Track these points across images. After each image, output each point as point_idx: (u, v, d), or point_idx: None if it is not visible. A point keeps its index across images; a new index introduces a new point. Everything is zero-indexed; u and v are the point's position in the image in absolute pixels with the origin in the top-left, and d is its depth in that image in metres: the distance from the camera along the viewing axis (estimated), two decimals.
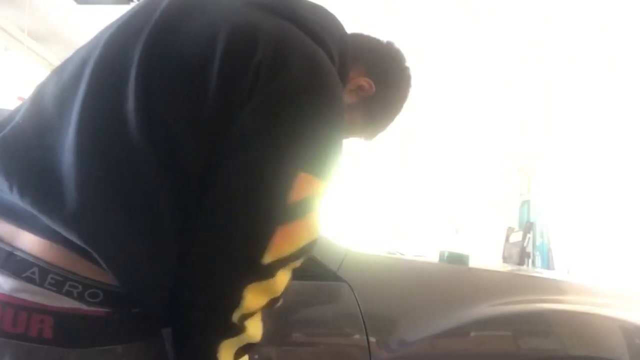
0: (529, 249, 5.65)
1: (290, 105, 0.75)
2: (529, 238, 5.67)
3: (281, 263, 0.75)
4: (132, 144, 0.74)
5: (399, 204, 6.31)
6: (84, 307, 0.71)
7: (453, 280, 1.39)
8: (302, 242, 0.77)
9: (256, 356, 1.23)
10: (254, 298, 0.75)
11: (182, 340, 0.79)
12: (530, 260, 5.63)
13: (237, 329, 0.77)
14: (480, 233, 6.10)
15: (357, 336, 1.21)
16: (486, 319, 1.26)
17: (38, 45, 4.51)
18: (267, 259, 0.74)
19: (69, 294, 0.70)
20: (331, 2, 1.14)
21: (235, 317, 0.76)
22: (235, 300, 0.74)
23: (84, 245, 0.70)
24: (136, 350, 0.76)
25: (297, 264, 0.79)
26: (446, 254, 1.47)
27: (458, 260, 1.45)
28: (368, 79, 1.01)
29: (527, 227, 5.73)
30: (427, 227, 6.10)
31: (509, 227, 6.11)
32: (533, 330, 1.28)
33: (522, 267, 4.29)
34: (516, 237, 5.86)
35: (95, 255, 0.71)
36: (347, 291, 1.26)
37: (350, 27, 0.98)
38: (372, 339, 1.20)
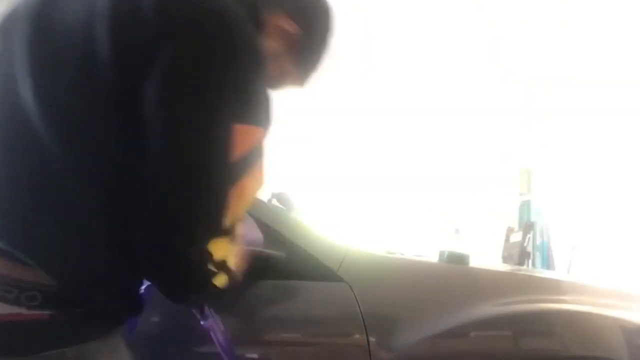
0: (529, 249, 5.65)
1: (198, 59, 0.70)
2: (529, 238, 5.67)
3: (239, 218, 0.75)
4: (39, 138, 0.70)
5: (400, 204, 6.31)
6: (24, 311, 0.67)
7: (453, 280, 1.39)
8: (254, 193, 0.76)
9: (256, 356, 1.23)
10: (218, 247, 0.74)
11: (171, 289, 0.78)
12: (530, 260, 5.62)
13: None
14: (480, 233, 6.10)
15: (357, 336, 1.21)
16: (486, 319, 1.26)
17: None
18: (229, 221, 0.73)
19: (4, 300, 0.66)
20: None
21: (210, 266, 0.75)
22: (203, 258, 0.74)
23: (7, 248, 0.67)
24: (91, 351, 0.72)
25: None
26: (446, 253, 1.47)
27: (458, 260, 1.45)
28: (288, 20, 0.93)
29: (527, 227, 5.72)
30: (428, 227, 6.10)
31: (509, 227, 6.11)
32: (533, 330, 1.28)
33: (522, 267, 4.29)
34: (516, 237, 5.85)
35: (22, 255, 0.67)
36: (347, 291, 1.26)
37: None
38: (372, 339, 1.20)
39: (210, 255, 0.74)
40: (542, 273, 2.07)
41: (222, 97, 0.70)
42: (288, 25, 0.93)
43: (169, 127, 0.69)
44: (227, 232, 0.74)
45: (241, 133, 0.71)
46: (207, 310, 1.07)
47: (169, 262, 0.73)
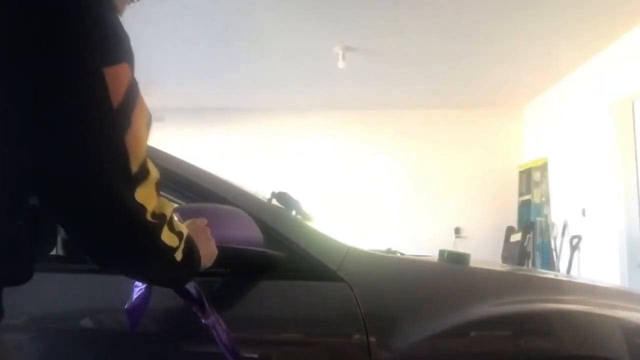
0: (529, 249, 5.65)
1: (42, 19, 0.65)
2: (529, 238, 5.67)
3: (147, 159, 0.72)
4: None
5: (401, 205, 6.31)
6: None
7: (453, 280, 1.39)
8: (148, 129, 0.72)
9: (256, 356, 1.23)
10: (146, 197, 0.71)
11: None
12: (530, 260, 5.63)
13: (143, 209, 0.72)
14: (480, 233, 6.11)
15: (357, 336, 1.21)
16: (486, 319, 1.26)
17: None
18: (134, 167, 0.69)
19: None
20: None
21: (148, 215, 0.72)
22: (134, 208, 0.70)
23: None
24: None
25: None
26: (446, 253, 1.47)
27: (458, 259, 1.45)
28: None
29: (527, 227, 5.73)
30: (429, 228, 6.09)
31: (509, 227, 6.11)
32: (533, 330, 1.28)
33: (522, 267, 4.29)
34: (516, 237, 5.86)
35: None
36: (347, 291, 1.26)
37: None
38: (372, 339, 1.20)
39: (143, 208, 0.71)
40: (542, 273, 2.07)
41: (84, 41, 0.66)
42: None
43: (46, 96, 0.66)
44: (142, 178, 0.70)
45: (112, 76, 0.67)
46: (208, 308, 1.07)
47: (105, 225, 0.71)
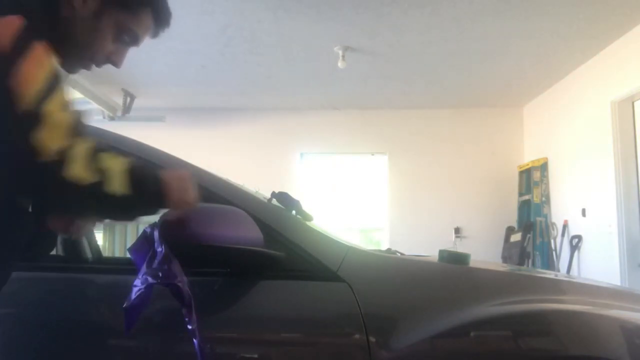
0: (529, 249, 5.65)
1: None
2: (529, 238, 5.67)
3: (43, 96, 0.77)
4: None
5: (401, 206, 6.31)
6: None
7: (453, 280, 1.39)
8: (43, 72, 0.78)
9: (256, 356, 1.23)
10: (48, 138, 0.77)
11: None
12: (530, 260, 5.62)
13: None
14: (480, 233, 6.10)
15: (357, 336, 1.21)
16: (486, 319, 1.26)
17: None
18: (25, 104, 0.75)
19: None
20: None
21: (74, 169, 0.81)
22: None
23: None
24: None
25: (59, 97, 0.80)
26: (446, 253, 1.47)
27: (458, 260, 1.45)
28: None
29: (527, 227, 5.72)
30: (429, 228, 6.09)
31: (509, 227, 6.11)
32: (533, 330, 1.28)
33: (522, 267, 4.29)
34: (516, 237, 5.86)
35: None
36: (347, 291, 1.26)
37: None
38: (372, 339, 1.20)
39: (44, 147, 0.77)
40: (542, 273, 2.07)
41: None
42: None
43: None
44: (38, 122, 0.76)
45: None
46: (194, 316, 1.08)
47: (22, 166, 0.78)
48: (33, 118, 0.76)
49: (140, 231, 1.22)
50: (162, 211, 1.13)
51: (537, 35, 4.33)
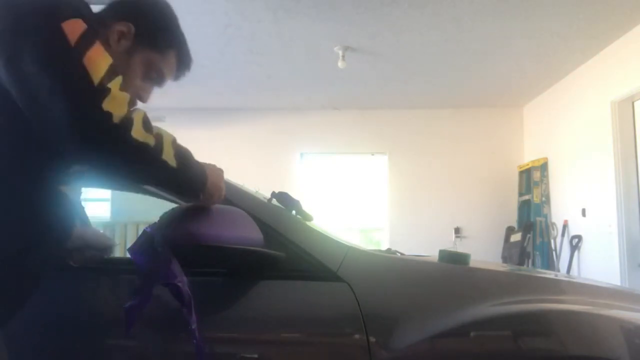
0: (529, 249, 5.65)
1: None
2: (529, 238, 5.67)
3: (107, 77, 0.93)
4: None
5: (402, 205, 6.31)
6: None
7: (453, 280, 1.39)
8: (105, 60, 0.95)
9: (256, 356, 1.23)
10: (113, 107, 0.92)
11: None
12: (530, 260, 5.62)
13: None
14: (480, 233, 6.10)
15: (357, 336, 1.21)
16: (486, 319, 1.26)
17: None
18: (96, 80, 0.91)
19: None
20: None
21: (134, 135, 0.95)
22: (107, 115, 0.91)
23: None
24: None
25: (118, 81, 0.96)
26: (446, 253, 1.47)
27: (458, 260, 1.45)
28: (125, 23, 1.13)
29: (527, 227, 5.73)
30: (429, 228, 6.09)
31: (509, 227, 6.11)
32: (533, 330, 1.28)
33: (522, 267, 4.29)
34: (516, 237, 5.86)
35: None
36: (347, 291, 1.26)
37: None
38: (372, 339, 1.20)
39: (109, 113, 0.91)
40: (542, 273, 2.07)
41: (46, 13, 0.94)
42: (126, 27, 1.13)
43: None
44: (105, 93, 0.92)
45: (67, 28, 0.93)
46: (194, 316, 1.08)
47: (84, 131, 0.90)
48: (102, 90, 0.91)
49: (140, 231, 1.22)
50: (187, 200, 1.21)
51: (537, 35, 4.33)
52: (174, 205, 1.33)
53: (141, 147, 0.96)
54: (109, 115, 0.91)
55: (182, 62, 1.25)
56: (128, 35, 1.13)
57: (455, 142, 6.34)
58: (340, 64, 4.65)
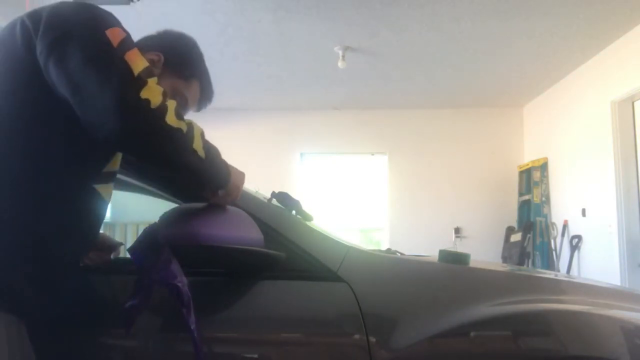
0: (529, 249, 5.65)
1: (52, 19, 1.06)
2: (529, 238, 5.67)
3: (144, 73, 1.02)
4: None
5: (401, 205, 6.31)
6: None
7: (453, 280, 1.39)
8: (142, 60, 1.04)
9: (256, 356, 1.23)
10: (150, 95, 1.00)
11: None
12: (530, 260, 5.62)
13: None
14: (480, 233, 6.11)
15: (357, 336, 1.21)
16: (486, 319, 1.26)
17: None
18: (136, 72, 1.00)
19: None
20: None
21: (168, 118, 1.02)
22: (143, 104, 0.99)
23: None
24: None
25: (155, 77, 1.05)
26: (446, 253, 1.47)
27: (458, 260, 1.45)
28: (156, 52, 1.28)
29: (527, 227, 5.73)
30: (429, 228, 6.10)
31: (509, 227, 6.11)
32: (533, 330, 1.28)
33: (522, 267, 4.29)
34: (516, 237, 5.86)
35: None
36: (347, 291, 1.26)
37: None
38: (372, 339, 1.20)
39: (147, 100, 0.99)
40: (541, 273, 2.07)
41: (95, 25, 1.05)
42: (157, 56, 1.28)
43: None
44: (143, 83, 1.00)
45: (110, 33, 1.03)
46: (193, 317, 1.08)
47: (125, 116, 0.97)
48: (141, 81, 1.00)
49: (140, 231, 1.22)
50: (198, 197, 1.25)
51: (537, 35, 4.33)
52: (174, 205, 1.33)
53: (175, 132, 1.03)
54: (147, 101, 0.99)
55: (205, 93, 1.40)
56: (158, 63, 1.27)
57: (455, 142, 6.34)
58: (340, 64, 4.66)
